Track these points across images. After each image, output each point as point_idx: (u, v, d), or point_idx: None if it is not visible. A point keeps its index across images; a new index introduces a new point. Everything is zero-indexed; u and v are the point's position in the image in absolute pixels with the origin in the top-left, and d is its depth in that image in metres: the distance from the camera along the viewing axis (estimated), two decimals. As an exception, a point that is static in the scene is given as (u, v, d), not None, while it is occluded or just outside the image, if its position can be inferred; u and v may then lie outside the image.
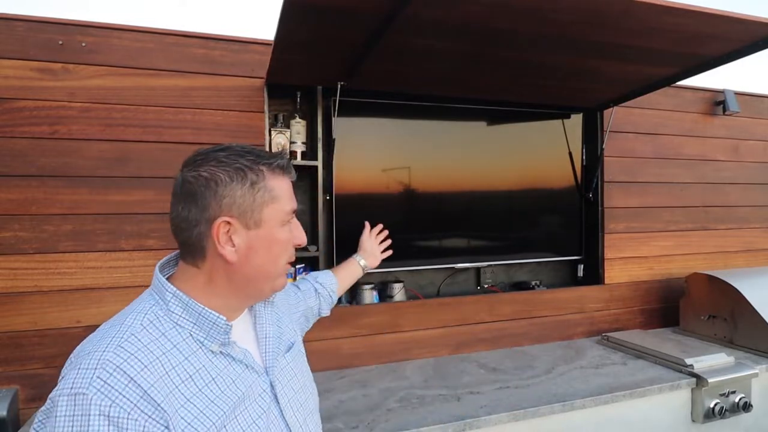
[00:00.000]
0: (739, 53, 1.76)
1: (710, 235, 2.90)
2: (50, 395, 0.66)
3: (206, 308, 0.76)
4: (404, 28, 1.48)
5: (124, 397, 0.65)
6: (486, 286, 2.55)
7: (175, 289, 0.77)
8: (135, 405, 0.65)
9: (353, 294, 2.30)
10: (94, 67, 1.80)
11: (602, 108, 2.59)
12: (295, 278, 2.06)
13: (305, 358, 1.00)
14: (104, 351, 0.68)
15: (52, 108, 1.76)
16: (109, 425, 0.63)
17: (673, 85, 2.38)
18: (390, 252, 1.57)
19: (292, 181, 0.86)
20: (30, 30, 1.73)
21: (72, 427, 0.62)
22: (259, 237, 0.79)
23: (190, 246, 0.78)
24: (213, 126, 1.94)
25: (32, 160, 1.73)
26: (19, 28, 1.72)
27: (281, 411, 0.83)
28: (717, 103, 2.89)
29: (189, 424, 0.69)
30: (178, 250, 0.83)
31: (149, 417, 0.66)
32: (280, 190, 0.81)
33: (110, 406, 0.63)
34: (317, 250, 2.09)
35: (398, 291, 2.32)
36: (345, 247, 2.16)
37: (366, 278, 2.32)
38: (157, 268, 0.80)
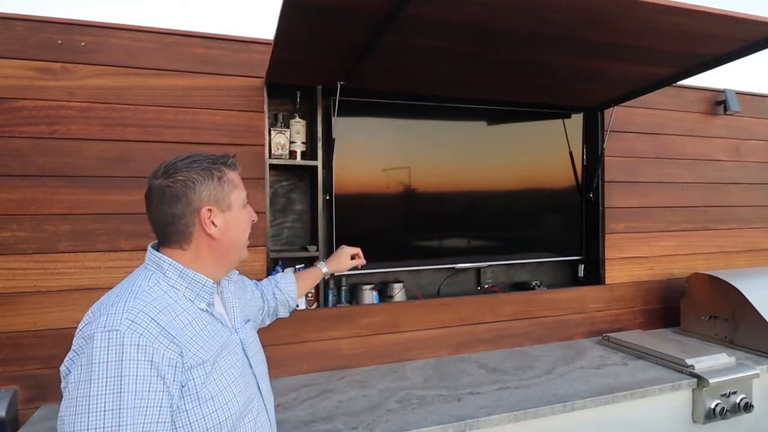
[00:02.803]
0: (740, 53, 1.76)
1: (711, 235, 2.89)
2: (80, 334, 0.85)
3: (197, 273, 0.99)
4: (404, 27, 1.47)
5: (148, 331, 0.85)
6: (486, 286, 2.55)
7: (171, 260, 0.98)
8: (156, 337, 0.85)
9: (353, 294, 2.30)
10: (94, 66, 1.80)
11: (603, 108, 2.59)
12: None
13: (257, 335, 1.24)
14: (126, 301, 0.88)
15: (52, 108, 1.75)
16: (138, 351, 0.82)
17: (674, 84, 2.38)
18: (361, 262, 1.63)
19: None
20: (29, 29, 1.73)
21: (108, 355, 0.80)
22: (232, 217, 1.04)
23: (178, 234, 0.99)
24: (213, 126, 1.94)
25: (31, 160, 1.73)
26: (18, 28, 1.72)
27: (250, 363, 1.08)
28: (718, 102, 2.88)
29: (195, 353, 0.91)
30: (154, 242, 1.03)
31: (167, 347, 0.86)
32: (238, 180, 1.07)
33: (139, 337, 0.83)
34: (317, 250, 2.08)
35: (398, 291, 2.32)
36: (345, 247, 2.15)
37: (366, 278, 2.32)
38: (150, 247, 1.01)
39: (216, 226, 1.01)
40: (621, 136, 2.64)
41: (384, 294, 2.33)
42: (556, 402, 1.71)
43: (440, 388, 1.86)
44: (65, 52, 1.76)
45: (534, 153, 2.57)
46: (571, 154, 2.63)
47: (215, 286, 1.03)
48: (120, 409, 0.79)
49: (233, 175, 1.06)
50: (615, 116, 2.51)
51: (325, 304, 2.17)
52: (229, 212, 1.03)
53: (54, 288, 1.74)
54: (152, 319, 0.87)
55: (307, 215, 2.25)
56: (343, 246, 1.63)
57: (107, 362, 0.80)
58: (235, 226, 1.05)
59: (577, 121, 2.64)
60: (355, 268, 1.64)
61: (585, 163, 2.67)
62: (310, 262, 2.14)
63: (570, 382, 1.90)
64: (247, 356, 1.08)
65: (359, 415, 1.63)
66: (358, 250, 1.64)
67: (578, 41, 1.66)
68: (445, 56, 1.77)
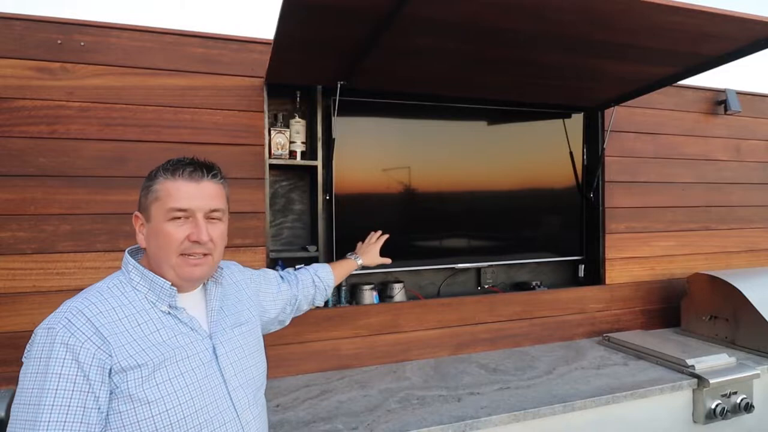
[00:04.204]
0: (741, 52, 1.75)
1: (712, 235, 2.89)
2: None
3: (156, 275, 0.99)
4: (404, 27, 1.47)
5: (80, 331, 0.87)
6: (486, 286, 2.54)
7: (135, 262, 1.01)
8: (88, 338, 0.87)
9: (353, 294, 2.29)
10: (93, 66, 1.79)
11: (603, 107, 2.58)
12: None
13: (257, 339, 1.19)
14: (73, 301, 0.93)
15: (51, 107, 1.75)
16: (66, 351, 0.85)
17: (675, 84, 2.37)
18: (389, 260, 1.77)
19: (221, 184, 1.06)
20: (28, 29, 1.72)
21: (42, 351, 0.85)
22: (151, 229, 1.00)
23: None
24: (212, 126, 1.93)
25: (30, 159, 1.73)
26: (17, 27, 1.71)
27: (220, 368, 1.02)
28: (718, 102, 2.88)
29: (131, 356, 0.90)
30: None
31: (98, 348, 0.87)
32: (165, 191, 0.99)
33: (70, 337, 0.86)
34: (317, 250, 2.08)
35: (398, 291, 2.31)
36: (345, 247, 2.15)
37: (366, 279, 2.32)
38: (126, 251, 1.04)
39: (142, 234, 1.03)
40: (621, 136, 2.64)
41: (384, 294, 2.33)
42: (557, 402, 1.70)
43: (440, 388, 1.86)
44: (65, 51, 1.76)
45: (534, 153, 2.57)
46: (571, 154, 2.62)
47: (174, 289, 0.99)
48: (39, 405, 0.81)
49: (166, 185, 0.99)
50: (615, 116, 2.51)
51: (325, 304, 2.17)
52: (150, 224, 1.00)
53: (53, 288, 1.74)
54: (88, 319, 0.89)
55: (307, 215, 2.25)
56: (365, 243, 1.76)
57: (39, 358, 0.85)
58: (153, 240, 1.00)
59: (577, 120, 2.64)
60: (383, 264, 1.75)
61: (585, 163, 2.67)
62: (310, 262, 2.14)
63: (570, 383, 1.89)
64: (218, 364, 1.02)
65: (359, 415, 1.63)
66: (382, 239, 1.75)
67: (578, 41, 1.65)
68: (445, 56, 1.76)
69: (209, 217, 1.02)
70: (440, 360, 2.19)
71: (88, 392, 0.84)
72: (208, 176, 1.02)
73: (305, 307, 1.50)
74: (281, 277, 1.45)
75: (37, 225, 1.73)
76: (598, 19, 1.47)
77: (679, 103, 2.79)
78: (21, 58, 1.72)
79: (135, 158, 1.83)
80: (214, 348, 1.03)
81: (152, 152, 1.84)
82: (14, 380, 1.66)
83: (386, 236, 1.79)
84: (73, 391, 0.83)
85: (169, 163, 1.01)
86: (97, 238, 1.79)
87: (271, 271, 1.43)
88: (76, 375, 0.84)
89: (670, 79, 2.09)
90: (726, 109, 2.85)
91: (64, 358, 0.84)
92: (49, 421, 0.80)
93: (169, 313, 0.99)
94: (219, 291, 1.13)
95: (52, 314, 0.91)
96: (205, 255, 1.01)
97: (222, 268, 1.15)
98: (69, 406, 0.82)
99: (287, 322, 1.46)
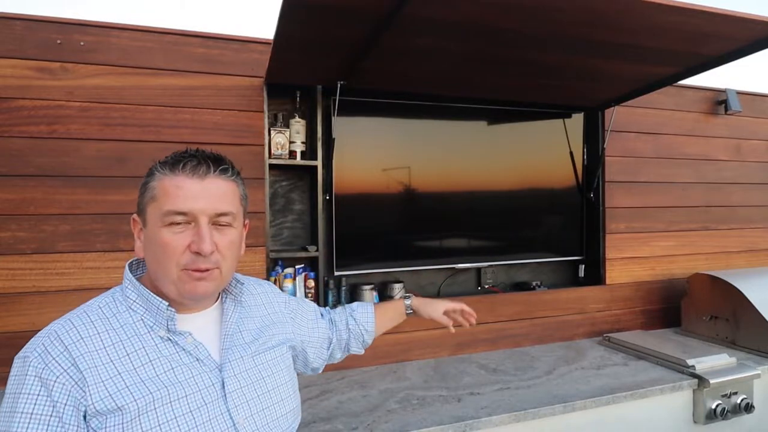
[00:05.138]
0: (741, 52, 1.75)
1: (712, 236, 2.89)
2: None
3: (152, 294, 0.82)
4: (403, 27, 1.47)
5: (56, 362, 0.73)
6: (486, 286, 2.54)
7: (131, 277, 0.85)
8: (65, 371, 0.73)
9: (353, 294, 2.29)
10: (93, 66, 1.79)
11: (603, 107, 2.58)
12: (294, 278, 2.06)
13: (287, 370, 0.97)
14: (56, 323, 0.79)
15: (51, 107, 1.75)
16: (40, 386, 0.72)
17: (675, 84, 2.37)
18: (450, 323, 1.33)
19: (234, 182, 0.88)
20: (28, 29, 1.72)
21: (14, 384, 0.73)
22: (147, 235, 0.83)
23: None
24: (212, 125, 1.93)
25: (30, 159, 1.73)
26: (17, 27, 1.71)
27: (228, 409, 0.82)
28: (719, 102, 2.88)
29: (110, 395, 0.74)
30: None
31: (75, 383, 0.73)
32: (162, 189, 0.81)
33: (43, 369, 0.73)
34: (317, 250, 2.08)
35: (398, 291, 2.31)
36: (345, 247, 2.15)
37: (366, 279, 2.31)
38: (127, 264, 0.89)
39: (140, 241, 0.85)
40: (621, 136, 2.63)
41: (384, 294, 2.32)
42: (557, 402, 1.70)
43: (440, 388, 1.86)
44: (64, 51, 1.76)
45: (534, 153, 2.57)
46: (571, 153, 2.62)
47: (172, 311, 0.82)
48: None
49: (165, 182, 0.81)
50: (615, 116, 2.50)
51: (325, 304, 2.16)
52: (146, 229, 0.83)
53: (53, 288, 1.74)
54: (66, 348, 0.74)
55: (307, 215, 2.25)
56: (452, 307, 1.32)
57: (10, 393, 0.73)
58: (149, 249, 0.82)
59: (577, 120, 2.64)
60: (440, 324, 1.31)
61: (585, 162, 2.66)
62: (309, 262, 2.14)
63: (570, 383, 1.89)
64: (227, 403, 0.82)
65: (359, 415, 1.62)
66: (457, 306, 1.32)
67: (579, 41, 1.65)
68: (445, 56, 1.76)
69: (216, 222, 0.83)
70: (440, 360, 2.19)
71: None
72: (215, 171, 0.83)
73: (338, 356, 1.23)
74: (321, 313, 1.22)
75: (36, 225, 1.73)
76: (598, 19, 1.47)
77: (680, 102, 2.79)
78: (21, 58, 1.72)
79: (135, 158, 1.83)
80: (222, 383, 0.83)
81: (152, 152, 1.84)
82: (14, 380, 1.67)
83: (473, 319, 1.35)
84: None
85: (170, 155, 0.84)
86: (97, 238, 1.79)
87: (310, 302, 1.21)
88: (50, 416, 0.71)
89: (670, 79, 2.09)
90: (726, 109, 2.85)
91: (38, 395, 0.71)
92: None
93: (169, 339, 0.82)
94: (238, 311, 0.93)
95: (33, 338, 0.78)
96: (209, 269, 0.82)
97: (242, 283, 0.96)
98: None
99: (320, 369, 1.20)
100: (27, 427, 0.70)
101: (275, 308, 1.04)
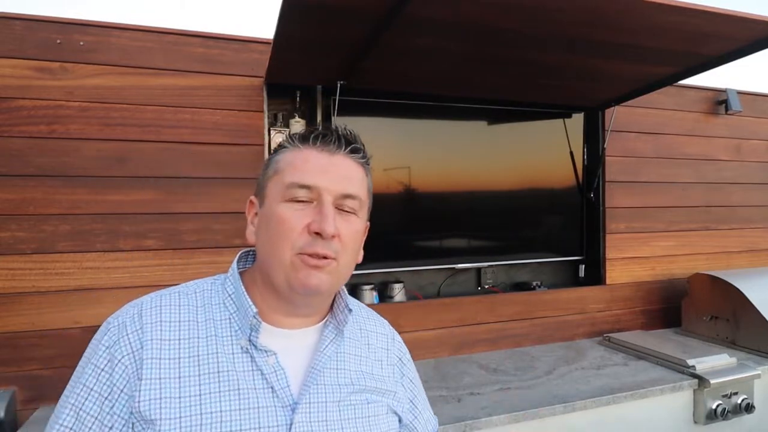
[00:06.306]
0: (741, 52, 1.75)
1: (712, 236, 2.88)
2: None
3: (246, 295, 0.71)
4: (403, 27, 1.47)
5: (128, 340, 0.66)
6: (487, 286, 2.54)
7: (236, 269, 0.76)
8: (132, 352, 0.66)
9: (353, 294, 2.29)
10: (93, 66, 1.79)
11: (604, 107, 2.58)
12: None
13: (383, 422, 0.78)
14: (150, 296, 0.72)
15: (50, 107, 1.75)
16: (107, 360, 0.66)
17: (675, 84, 2.37)
18: None
19: (348, 156, 0.75)
20: (28, 29, 1.72)
21: (91, 346, 0.69)
22: (263, 213, 0.73)
23: None
24: (212, 125, 1.93)
25: (30, 159, 1.72)
26: (16, 27, 1.71)
27: None
28: (719, 102, 2.87)
29: (151, 399, 0.63)
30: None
31: (135, 370, 0.65)
32: (287, 161, 0.72)
33: (115, 343, 0.66)
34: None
35: (398, 291, 2.31)
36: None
37: (366, 279, 2.31)
38: (239, 253, 0.79)
39: (253, 225, 0.75)
40: (622, 136, 2.63)
41: (384, 294, 2.32)
42: (557, 403, 1.70)
43: (440, 388, 1.86)
44: (64, 51, 1.76)
45: (534, 153, 2.56)
46: (571, 153, 2.62)
47: (258, 320, 0.70)
48: (63, 405, 0.67)
49: (292, 155, 0.73)
50: (616, 116, 2.50)
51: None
52: (263, 207, 0.74)
53: (53, 288, 1.74)
54: (142, 326, 0.67)
55: (307, 215, 2.25)
56: None
57: (86, 355, 0.69)
58: (263, 229, 0.72)
59: (577, 120, 2.64)
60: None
61: (586, 162, 2.66)
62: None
63: (571, 383, 1.89)
64: None
65: (359, 415, 1.62)
66: None
67: (579, 41, 1.65)
68: (445, 56, 1.76)
69: (340, 206, 0.72)
70: (440, 360, 2.19)
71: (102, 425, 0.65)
72: (346, 149, 0.74)
73: None
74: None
75: (36, 225, 1.73)
76: (598, 19, 1.47)
77: (680, 102, 2.79)
78: (21, 57, 1.72)
79: (135, 158, 1.83)
80: (290, 426, 0.67)
81: (152, 152, 1.84)
82: (14, 380, 1.67)
83: None
84: (90, 413, 0.65)
85: (302, 130, 0.77)
86: (97, 238, 1.78)
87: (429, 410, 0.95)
88: (105, 398, 0.65)
89: (671, 79, 2.09)
90: (727, 109, 2.85)
91: (102, 369, 0.65)
92: (62, 425, 0.65)
93: (248, 351, 0.69)
94: (337, 343, 0.77)
95: (128, 304, 0.72)
96: (327, 257, 0.69)
97: (350, 309, 0.79)
98: (83, 423, 0.64)
99: None
100: (83, 404, 0.64)
101: (394, 362, 0.89)
